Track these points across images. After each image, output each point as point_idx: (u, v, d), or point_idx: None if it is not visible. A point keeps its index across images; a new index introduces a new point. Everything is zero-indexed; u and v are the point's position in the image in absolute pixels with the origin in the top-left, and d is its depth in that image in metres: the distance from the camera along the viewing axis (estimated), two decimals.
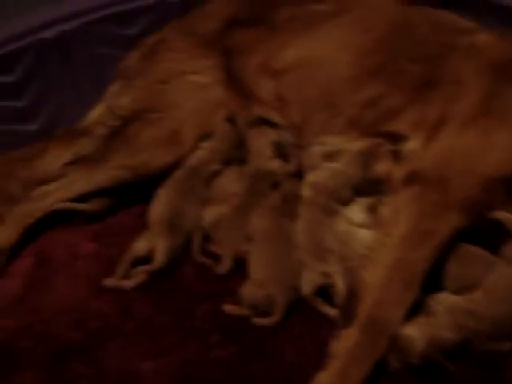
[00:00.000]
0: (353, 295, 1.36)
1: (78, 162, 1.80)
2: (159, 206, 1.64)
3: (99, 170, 1.71)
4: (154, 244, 1.56)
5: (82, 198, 1.71)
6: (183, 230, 1.60)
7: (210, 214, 1.63)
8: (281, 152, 1.73)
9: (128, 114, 1.81)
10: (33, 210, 1.68)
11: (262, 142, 1.74)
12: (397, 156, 1.55)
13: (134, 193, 1.77)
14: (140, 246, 1.57)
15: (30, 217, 1.67)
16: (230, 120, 1.78)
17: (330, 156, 1.65)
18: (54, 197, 1.69)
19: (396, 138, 1.57)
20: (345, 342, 1.31)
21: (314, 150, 1.68)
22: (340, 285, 1.39)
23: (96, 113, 1.96)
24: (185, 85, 1.80)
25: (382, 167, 1.57)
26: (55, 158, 1.86)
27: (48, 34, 1.96)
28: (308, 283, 1.44)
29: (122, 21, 2.04)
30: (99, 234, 1.72)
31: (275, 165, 1.71)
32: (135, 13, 2.05)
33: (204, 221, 1.62)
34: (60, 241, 1.71)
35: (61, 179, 1.73)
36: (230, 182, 1.70)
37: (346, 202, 1.57)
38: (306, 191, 1.60)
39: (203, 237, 1.61)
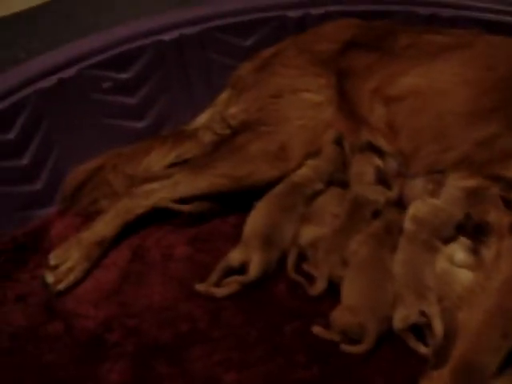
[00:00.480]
0: (448, 337, 1.33)
1: (183, 164, 1.84)
2: (258, 218, 1.65)
3: (204, 175, 1.73)
4: (249, 256, 1.57)
5: (182, 200, 1.74)
6: (279, 245, 1.60)
7: (308, 232, 1.62)
8: (382, 179, 1.71)
9: (237, 123, 1.84)
10: (135, 206, 1.72)
11: (364, 167, 1.73)
12: (506, 201, 1.50)
13: (230, 202, 1.78)
14: (235, 256, 1.58)
15: (132, 213, 1.72)
16: (338, 142, 1.78)
17: (434, 190, 1.62)
18: (157, 196, 1.73)
19: (508, 184, 1.53)
20: (435, 383, 1.29)
21: (419, 182, 1.65)
22: (438, 327, 1.35)
23: (203, 118, 2.00)
24: (297, 101, 1.81)
25: (488, 210, 1.52)
26: (159, 157, 1.91)
27: (167, 36, 2.00)
28: (402, 319, 1.41)
29: (239, 31, 2.06)
30: (194, 239, 1.75)
31: (375, 191, 1.69)
32: (252, 25, 2.07)
33: (301, 239, 1.61)
34: (155, 239, 1.75)
35: (164, 179, 1.76)
36: (331, 204, 1.69)
37: (447, 240, 1.53)
38: (407, 224, 1.56)
39: (299, 255, 1.60)
